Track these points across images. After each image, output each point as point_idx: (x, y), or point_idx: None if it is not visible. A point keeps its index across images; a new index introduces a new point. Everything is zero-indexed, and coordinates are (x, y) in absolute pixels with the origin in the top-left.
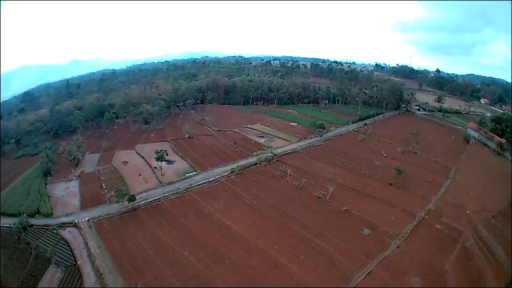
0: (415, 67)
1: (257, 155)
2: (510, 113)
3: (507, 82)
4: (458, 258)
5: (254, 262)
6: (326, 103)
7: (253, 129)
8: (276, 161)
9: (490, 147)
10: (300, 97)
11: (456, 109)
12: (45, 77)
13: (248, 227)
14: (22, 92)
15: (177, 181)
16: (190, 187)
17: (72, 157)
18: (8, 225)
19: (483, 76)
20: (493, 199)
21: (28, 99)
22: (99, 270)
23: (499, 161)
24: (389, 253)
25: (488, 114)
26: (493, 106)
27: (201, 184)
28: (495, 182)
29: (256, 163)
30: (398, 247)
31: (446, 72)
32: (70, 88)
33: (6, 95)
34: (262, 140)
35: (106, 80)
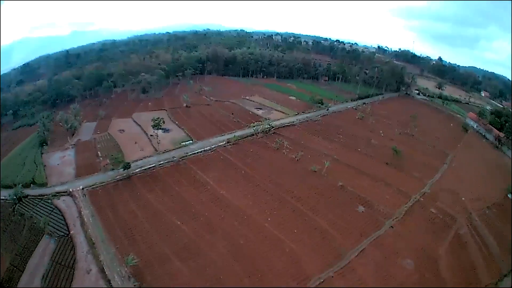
0: (417, 53)
1: (254, 126)
2: (510, 109)
3: (508, 79)
4: (452, 245)
5: (246, 232)
6: (326, 80)
7: (251, 100)
8: (273, 133)
9: (488, 139)
10: (300, 72)
11: (456, 98)
12: (45, 48)
13: (242, 197)
14: (22, 64)
15: (173, 150)
16: (186, 156)
17: (69, 125)
18: (4, 197)
19: (485, 70)
20: (488, 190)
21: (27, 70)
22: (91, 239)
23: (496, 154)
24: (383, 232)
25: (488, 107)
26: (493, 100)
27: (197, 153)
28: (491, 174)
29: (253, 134)
30: (392, 227)
31: (448, 61)
32: (69, 59)
33: (6, 67)
34: (260, 112)
35: (106, 50)
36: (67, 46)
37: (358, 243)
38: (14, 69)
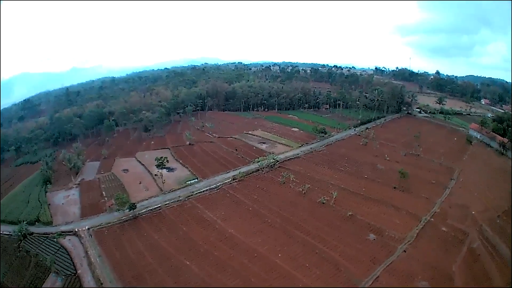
0: (415, 70)
1: (258, 161)
2: (511, 113)
3: (506, 82)
4: (465, 260)
5: (257, 270)
6: (327, 108)
7: (254, 135)
8: (278, 167)
9: (492, 147)
10: (301, 102)
11: (457, 111)
12: (45, 84)
13: (251, 234)
14: (23, 99)
15: (178, 189)
16: (192, 195)
17: (72, 165)
18: (8, 233)
19: (483, 77)
20: (497, 199)
21: (28, 106)
22: (99, 280)
23: (501, 160)
24: (396, 257)
25: (489, 115)
26: (494, 106)
27: (203, 191)
28: (498, 181)
29: (258, 170)
30: (404, 251)
31: (445, 74)
32: (69, 96)
33: (7, 102)
34: (263, 146)
35: (105, 88)
36: (67, 83)
37: (371, 271)
38: (15, 104)
